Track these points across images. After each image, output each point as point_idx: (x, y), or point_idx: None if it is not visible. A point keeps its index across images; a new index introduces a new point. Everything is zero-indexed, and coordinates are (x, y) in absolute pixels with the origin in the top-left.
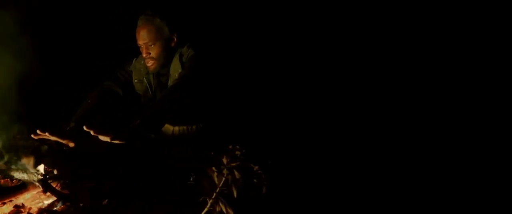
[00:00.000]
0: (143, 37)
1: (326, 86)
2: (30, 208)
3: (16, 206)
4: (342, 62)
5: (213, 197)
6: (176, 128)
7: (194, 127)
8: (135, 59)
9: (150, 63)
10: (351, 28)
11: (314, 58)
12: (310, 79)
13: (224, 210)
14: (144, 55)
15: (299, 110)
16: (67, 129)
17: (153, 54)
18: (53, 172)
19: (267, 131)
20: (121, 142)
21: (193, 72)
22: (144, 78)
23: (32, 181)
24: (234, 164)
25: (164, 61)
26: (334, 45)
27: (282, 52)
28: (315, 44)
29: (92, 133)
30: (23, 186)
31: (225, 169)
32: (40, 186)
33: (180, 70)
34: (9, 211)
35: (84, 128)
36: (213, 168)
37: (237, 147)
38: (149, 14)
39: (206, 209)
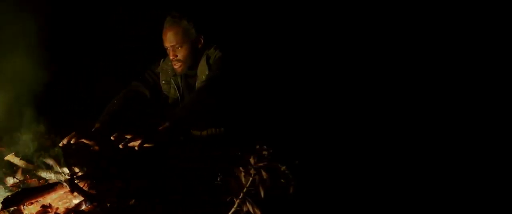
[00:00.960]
0: (170, 40)
1: (354, 87)
2: (57, 208)
3: (43, 206)
4: (371, 63)
5: (240, 197)
6: (204, 129)
7: (222, 126)
8: (162, 60)
9: (177, 66)
10: (374, 29)
11: (343, 59)
12: (338, 80)
13: (251, 210)
14: (171, 57)
15: (327, 110)
16: (93, 130)
17: (180, 56)
18: (80, 172)
19: (295, 131)
20: (150, 145)
21: (221, 73)
22: (172, 80)
23: (59, 181)
24: (261, 164)
25: (192, 63)
26: (363, 47)
27: (310, 53)
28: (343, 45)
29: (121, 146)
30: (50, 186)
31: (252, 169)
32: (67, 186)
33: (207, 72)
34: (36, 211)
35: (112, 138)
36: (240, 168)
37: (264, 147)
38: (175, 16)
39: (233, 209)
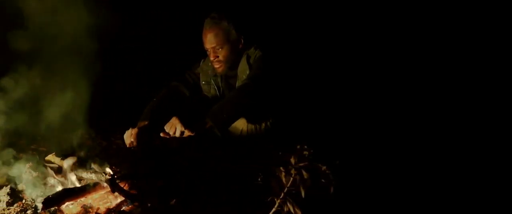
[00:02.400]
0: (210, 41)
1: (395, 86)
2: (98, 208)
3: (84, 207)
4: (410, 62)
5: (281, 197)
6: (244, 128)
7: (262, 126)
8: (202, 60)
9: (218, 66)
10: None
11: (381, 58)
12: (377, 79)
13: (292, 210)
14: (211, 58)
15: (367, 109)
16: (138, 128)
17: (221, 57)
18: (121, 172)
19: (335, 131)
20: (191, 134)
21: (262, 73)
22: (212, 80)
23: (100, 181)
24: (302, 164)
25: (232, 64)
26: (403, 46)
27: (349, 52)
28: (382, 44)
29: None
30: (91, 186)
31: (293, 169)
32: (108, 186)
33: (247, 72)
34: (77, 211)
35: (161, 135)
36: (281, 168)
37: (305, 146)
38: (215, 18)
39: (274, 209)
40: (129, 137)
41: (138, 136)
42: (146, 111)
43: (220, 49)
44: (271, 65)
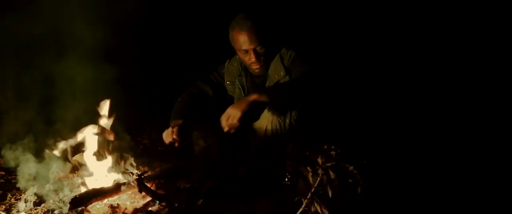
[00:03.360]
0: (251, 41)
1: (422, 87)
2: (125, 208)
3: (111, 206)
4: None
5: (308, 197)
6: (269, 126)
7: (287, 123)
8: (227, 61)
9: (256, 66)
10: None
11: (409, 57)
12: (405, 79)
13: (319, 210)
14: (252, 59)
15: (395, 109)
16: (178, 127)
17: (257, 58)
18: (149, 172)
19: (362, 130)
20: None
21: (314, 69)
22: (237, 80)
23: (127, 181)
24: (329, 164)
25: (267, 64)
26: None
27: (379, 51)
28: (410, 44)
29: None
30: (118, 186)
31: (320, 169)
32: (136, 186)
33: (282, 72)
34: (104, 211)
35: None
36: (308, 168)
37: (332, 146)
38: (247, 19)
39: (301, 209)
40: (170, 135)
41: (180, 134)
42: (176, 111)
43: (261, 50)
44: (319, 64)
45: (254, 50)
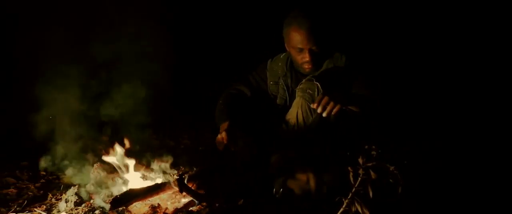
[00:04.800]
0: (302, 41)
1: (466, 87)
2: (166, 208)
3: (152, 207)
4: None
5: (349, 197)
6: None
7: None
8: (270, 60)
9: (306, 66)
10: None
11: (456, 58)
12: (450, 80)
13: (360, 210)
14: (299, 57)
15: (438, 110)
16: (226, 131)
17: (311, 58)
18: (189, 172)
19: (403, 131)
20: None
21: (380, 79)
22: (281, 80)
23: (168, 181)
24: (369, 164)
25: (319, 65)
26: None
27: (427, 52)
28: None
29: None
30: (158, 186)
31: (361, 169)
32: (176, 186)
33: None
34: (145, 211)
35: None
36: (349, 168)
37: (373, 146)
38: (308, 17)
39: (342, 209)
40: (221, 142)
41: (230, 138)
42: (220, 112)
43: (317, 50)
44: (380, 72)
45: (310, 50)
